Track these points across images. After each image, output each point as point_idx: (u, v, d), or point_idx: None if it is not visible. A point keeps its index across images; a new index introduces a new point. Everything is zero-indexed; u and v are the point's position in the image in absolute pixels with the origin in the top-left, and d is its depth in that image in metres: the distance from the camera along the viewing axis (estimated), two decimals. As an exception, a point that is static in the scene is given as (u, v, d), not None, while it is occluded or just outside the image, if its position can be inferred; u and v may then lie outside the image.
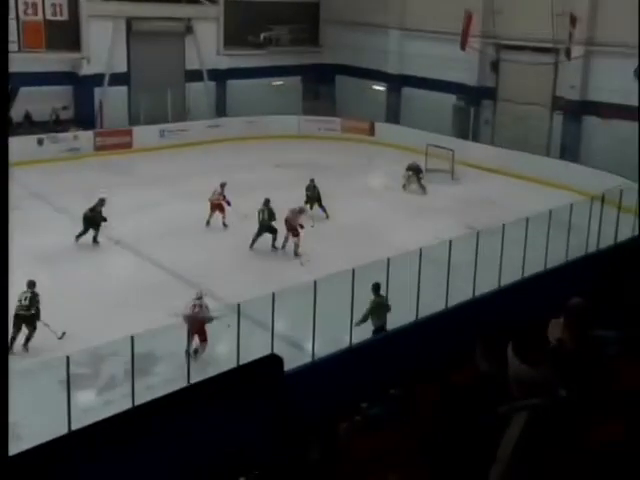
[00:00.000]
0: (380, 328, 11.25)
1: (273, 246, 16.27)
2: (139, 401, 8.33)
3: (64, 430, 7.56)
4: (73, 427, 7.66)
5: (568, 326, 3.77)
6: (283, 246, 16.28)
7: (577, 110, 23.24)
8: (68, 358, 7.94)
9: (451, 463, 2.73)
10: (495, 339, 3.29)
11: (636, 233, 15.05)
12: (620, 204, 14.74)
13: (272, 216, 16.05)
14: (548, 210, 13.53)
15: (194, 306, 11.03)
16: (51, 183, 20.69)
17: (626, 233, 14.73)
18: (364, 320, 11.08)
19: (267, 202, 16.31)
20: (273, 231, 16.16)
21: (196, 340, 10.92)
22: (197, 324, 10.68)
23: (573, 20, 22.42)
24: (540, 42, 23.57)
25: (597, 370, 3.55)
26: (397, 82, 28.65)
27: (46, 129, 23.70)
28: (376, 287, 11.22)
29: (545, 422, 2.40)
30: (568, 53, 22.71)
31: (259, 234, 16.16)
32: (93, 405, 9.91)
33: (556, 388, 2.61)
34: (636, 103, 21.28)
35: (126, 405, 8.42)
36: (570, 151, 22.99)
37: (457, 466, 2.71)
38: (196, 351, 10.84)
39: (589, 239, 14.34)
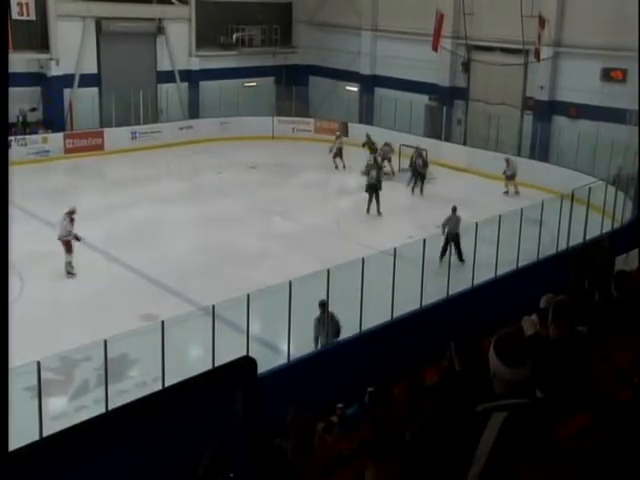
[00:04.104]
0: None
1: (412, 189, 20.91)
2: (113, 406, 8.22)
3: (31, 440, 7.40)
4: (43, 435, 7.52)
5: (555, 321, 3.85)
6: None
7: (546, 110, 23.62)
8: (39, 363, 7.80)
9: (427, 462, 2.73)
10: (468, 338, 3.30)
11: (605, 231, 15.34)
12: (589, 202, 15.00)
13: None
14: (519, 208, 13.71)
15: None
16: (19, 187, 20.31)
17: (595, 231, 14.99)
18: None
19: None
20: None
21: None
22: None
23: (542, 22, 22.79)
24: (510, 43, 23.92)
25: (582, 363, 3.62)
26: (370, 83, 28.79)
27: (13, 131, 23.26)
28: (322, 304, 10.49)
29: (523, 422, 2.41)
30: (537, 54, 23.07)
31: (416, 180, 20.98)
32: (64, 411, 9.74)
33: (534, 389, 2.63)
34: (601, 103, 21.77)
35: (99, 411, 8.30)
36: (540, 150, 23.36)
37: (433, 464, 2.71)
38: None
39: (559, 237, 14.57)
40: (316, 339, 10.84)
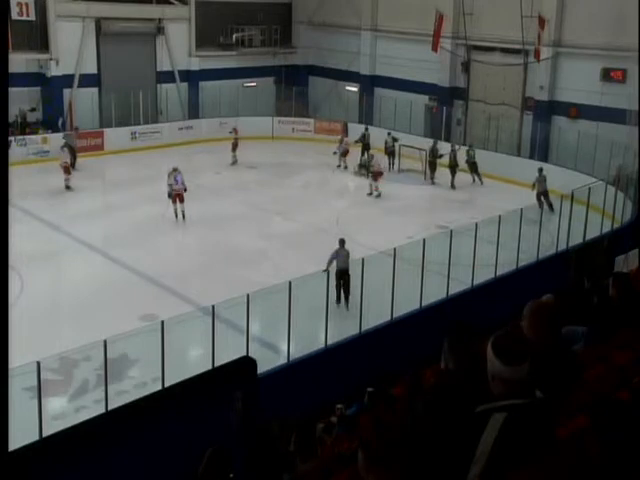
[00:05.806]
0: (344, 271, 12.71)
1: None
2: (112, 407, 8.23)
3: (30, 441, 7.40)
4: (43, 436, 7.52)
5: (536, 324, 3.72)
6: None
7: (546, 110, 23.62)
8: (39, 363, 7.81)
9: (426, 462, 2.73)
10: (462, 336, 3.26)
11: (604, 231, 15.35)
12: (588, 202, 15.01)
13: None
14: (519, 209, 13.72)
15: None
16: (19, 187, 20.28)
17: (594, 231, 15.00)
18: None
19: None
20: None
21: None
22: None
23: (541, 22, 22.78)
24: (509, 43, 23.92)
25: (568, 367, 3.59)
26: (370, 83, 28.79)
27: (12, 131, 23.23)
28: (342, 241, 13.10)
29: (522, 423, 2.41)
30: (537, 54, 23.06)
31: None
32: (64, 411, 9.74)
33: (534, 389, 2.63)
34: (601, 103, 21.78)
35: (99, 411, 8.31)
36: (540, 151, 23.35)
37: (432, 465, 2.71)
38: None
39: (559, 237, 14.58)
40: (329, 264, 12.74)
